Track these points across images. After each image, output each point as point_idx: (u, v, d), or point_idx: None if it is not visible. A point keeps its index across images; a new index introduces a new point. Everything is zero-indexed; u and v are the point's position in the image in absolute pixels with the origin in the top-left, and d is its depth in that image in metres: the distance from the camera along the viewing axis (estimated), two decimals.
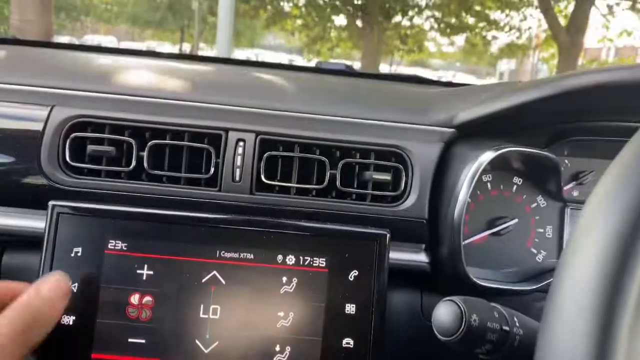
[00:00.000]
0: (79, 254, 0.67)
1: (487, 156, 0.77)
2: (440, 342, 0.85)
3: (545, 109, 0.76)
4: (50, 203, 0.68)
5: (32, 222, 0.79)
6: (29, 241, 0.83)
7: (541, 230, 0.90)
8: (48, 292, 0.57)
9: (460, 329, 0.49)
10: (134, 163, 0.77)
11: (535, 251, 0.89)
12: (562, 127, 0.85)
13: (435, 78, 1.49)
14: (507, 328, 0.52)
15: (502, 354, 0.52)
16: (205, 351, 0.67)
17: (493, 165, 0.85)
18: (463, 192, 0.78)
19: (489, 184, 0.89)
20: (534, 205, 0.90)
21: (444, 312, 0.51)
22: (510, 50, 15.62)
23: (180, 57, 1.42)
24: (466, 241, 0.86)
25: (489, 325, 0.51)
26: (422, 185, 0.80)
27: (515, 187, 0.90)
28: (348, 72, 1.35)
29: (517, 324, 0.53)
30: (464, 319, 0.50)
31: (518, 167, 0.89)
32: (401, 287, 0.84)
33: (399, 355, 0.85)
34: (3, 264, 0.84)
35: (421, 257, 0.81)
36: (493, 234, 0.88)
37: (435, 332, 0.52)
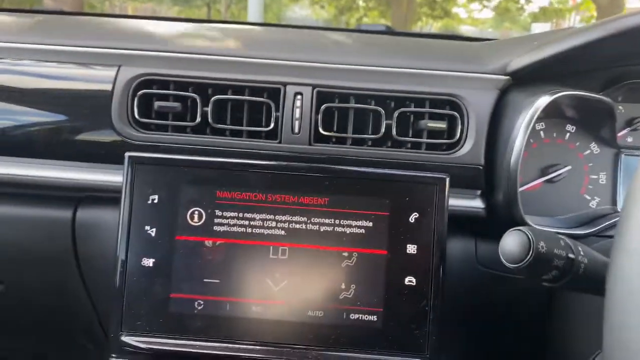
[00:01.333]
0: (156, 201, 0.72)
1: (543, 101, 0.78)
2: (493, 288, 0.88)
3: (601, 51, 0.76)
4: (127, 154, 0.72)
5: (105, 176, 0.84)
6: (100, 197, 0.89)
7: (594, 176, 0.90)
8: None
9: (529, 255, 0.52)
10: (198, 118, 0.81)
11: (588, 197, 0.90)
12: (617, 70, 0.85)
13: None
14: (572, 256, 0.54)
15: (567, 281, 0.54)
16: (275, 289, 0.71)
17: (546, 113, 0.86)
18: (519, 138, 0.79)
19: (542, 132, 0.90)
20: (587, 152, 0.90)
21: (512, 240, 0.53)
22: (544, 14, 15.09)
23: (228, 22, 1.45)
24: (520, 189, 0.87)
25: (555, 252, 0.53)
26: (478, 133, 0.81)
27: (568, 134, 0.90)
28: (389, 31, 1.35)
29: (582, 253, 0.55)
30: (532, 246, 0.52)
31: (571, 114, 0.89)
32: (456, 234, 0.86)
33: (453, 300, 0.88)
34: (77, 220, 0.90)
35: (477, 203, 0.83)
36: (547, 181, 0.89)
37: (504, 260, 0.54)
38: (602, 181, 0.90)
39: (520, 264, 0.52)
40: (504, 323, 0.90)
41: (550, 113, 0.86)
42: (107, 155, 0.82)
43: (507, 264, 0.54)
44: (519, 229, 0.54)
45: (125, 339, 0.71)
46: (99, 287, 0.93)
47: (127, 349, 0.71)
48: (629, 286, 0.39)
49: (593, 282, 0.56)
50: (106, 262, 0.87)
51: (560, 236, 0.56)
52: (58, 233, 0.90)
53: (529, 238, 0.52)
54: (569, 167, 0.89)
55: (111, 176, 0.83)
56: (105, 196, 0.87)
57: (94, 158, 0.84)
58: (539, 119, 0.87)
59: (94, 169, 0.85)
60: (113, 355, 0.72)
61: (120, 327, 0.71)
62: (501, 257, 0.55)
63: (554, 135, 0.90)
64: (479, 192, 0.84)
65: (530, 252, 0.52)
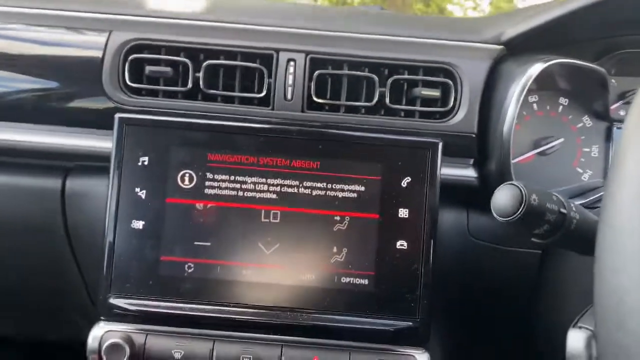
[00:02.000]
0: (146, 163, 0.71)
1: (536, 68, 0.77)
2: (485, 259, 0.88)
3: (594, 17, 0.76)
4: (117, 115, 0.72)
5: (96, 142, 0.83)
6: (89, 166, 0.88)
7: (587, 149, 0.90)
8: None
9: (521, 208, 0.51)
10: (190, 83, 0.80)
11: (581, 170, 0.90)
12: (609, 41, 0.85)
13: None
14: (564, 210, 0.54)
15: (558, 237, 0.54)
16: (267, 252, 0.71)
17: (539, 85, 0.86)
18: (512, 106, 0.79)
19: (535, 105, 0.90)
20: (580, 125, 0.90)
21: (505, 194, 0.53)
22: None
23: None
24: (513, 160, 0.87)
25: (547, 206, 0.53)
26: (472, 101, 0.81)
27: (561, 107, 0.90)
28: (384, 12, 1.34)
29: (574, 209, 0.55)
30: (524, 199, 0.51)
31: (565, 86, 0.89)
32: (448, 205, 0.86)
33: (444, 271, 0.88)
34: (67, 189, 0.89)
35: (469, 172, 0.83)
36: (539, 153, 0.89)
37: (495, 214, 0.54)
38: (594, 154, 0.90)
39: (512, 217, 0.52)
40: (495, 294, 0.90)
41: (544, 85, 0.86)
42: (98, 120, 0.81)
43: (499, 218, 0.53)
44: (511, 183, 0.53)
45: (114, 301, 0.70)
46: (88, 259, 0.92)
47: (115, 312, 0.70)
48: (619, 239, 0.39)
49: (584, 240, 0.56)
50: (96, 233, 0.86)
51: (552, 192, 0.55)
52: (47, 203, 0.89)
53: (521, 191, 0.52)
54: (561, 140, 0.89)
55: (102, 142, 0.82)
56: (95, 165, 0.87)
57: (85, 123, 0.83)
58: (531, 91, 0.87)
59: (85, 135, 0.84)
60: (102, 317, 0.71)
61: (109, 289, 0.70)
62: (493, 211, 0.54)
63: (547, 107, 0.90)
64: (471, 161, 0.84)
65: (523, 204, 0.51)
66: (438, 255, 0.82)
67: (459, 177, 0.83)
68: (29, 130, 0.84)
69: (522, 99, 0.78)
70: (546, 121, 0.90)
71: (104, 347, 0.68)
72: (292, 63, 0.81)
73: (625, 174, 0.39)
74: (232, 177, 0.71)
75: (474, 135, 0.81)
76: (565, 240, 0.55)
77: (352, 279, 0.71)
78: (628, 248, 0.37)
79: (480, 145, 0.82)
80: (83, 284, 0.96)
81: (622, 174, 0.39)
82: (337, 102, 0.81)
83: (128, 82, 0.81)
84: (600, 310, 0.40)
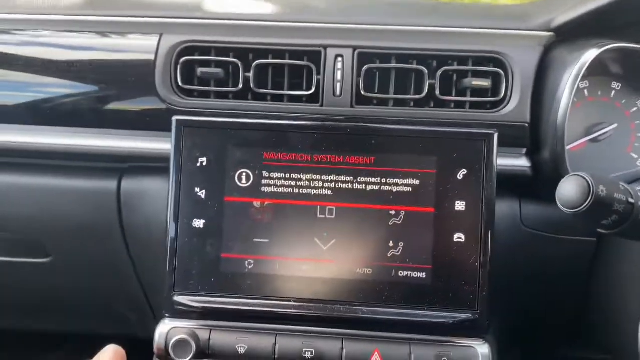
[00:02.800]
0: (204, 164, 0.72)
1: (591, 54, 0.76)
2: (539, 248, 0.87)
3: None
4: (175, 118, 0.73)
5: (150, 144, 0.85)
6: (144, 167, 0.90)
7: None
8: None
9: (589, 199, 0.51)
10: (240, 84, 0.81)
11: (636, 156, 0.88)
12: None
13: None
14: (632, 200, 0.53)
15: (627, 226, 0.54)
16: (324, 248, 0.72)
17: (590, 71, 0.84)
18: (566, 94, 0.77)
19: (585, 91, 0.88)
20: (634, 109, 0.88)
21: (571, 185, 0.52)
22: None
23: None
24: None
25: (615, 196, 0.52)
26: (523, 90, 0.80)
27: (613, 92, 0.88)
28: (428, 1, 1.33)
29: None
30: (591, 190, 0.51)
31: (617, 71, 0.87)
32: (501, 195, 0.85)
33: (498, 261, 0.87)
34: (122, 190, 0.91)
35: (522, 162, 0.82)
36: (591, 140, 0.87)
37: (561, 206, 0.54)
38: None
39: (579, 208, 0.51)
40: (550, 283, 0.89)
41: (595, 70, 0.84)
42: (152, 122, 0.84)
43: (566, 210, 0.53)
44: (576, 174, 0.53)
45: (178, 298, 0.72)
46: (143, 257, 0.95)
47: (180, 309, 0.72)
48: None
49: None
50: (151, 232, 0.89)
51: (619, 182, 0.55)
52: (103, 204, 0.92)
53: (588, 182, 0.51)
54: (615, 125, 0.87)
55: (157, 144, 0.84)
56: (150, 166, 0.89)
57: (140, 126, 0.85)
58: (582, 77, 0.85)
59: (140, 137, 0.86)
60: (167, 315, 0.73)
61: (174, 287, 0.72)
62: (559, 203, 0.54)
63: (599, 93, 0.88)
64: (524, 150, 0.83)
65: (591, 195, 0.51)
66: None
67: (512, 167, 0.82)
68: (86, 135, 0.86)
69: (576, 86, 0.77)
70: (598, 107, 0.88)
71: (170, 343, 0.70)
72: (340, 59, 0.81)
73: None
74: (288, 175, 0.72)
75: (526, 125, 0.80)
76: (633, 230, 0.54)
77: (409, 272, 0.71)
78: None
79: (533, 134, 0.81)
80: (137, 282, 0.99)
81: None
82: (386, 96, 0.81)
83: (180, 84, 0.82)
84: None
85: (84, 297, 1.08)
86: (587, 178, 0.52)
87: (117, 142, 0.86)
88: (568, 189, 0.53)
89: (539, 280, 0.91)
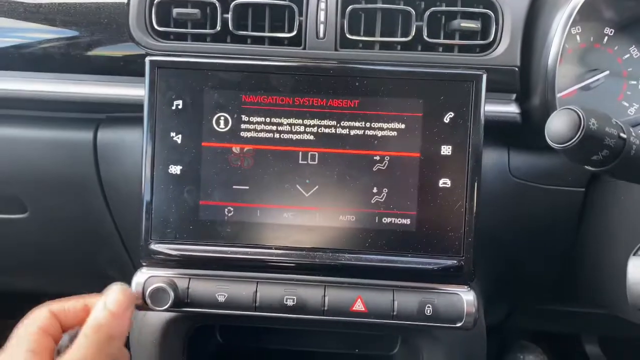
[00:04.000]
0: (180, 107, 0.69)
1: None
2: (527, 198, 0.86)
3: None
4: (148, 58, 0.70)
5: (126, 89, 0.81)
6: (120, 118, 0.87)
7: (634, 82, 0.86)
8: (114, 306, 0.58)
9: (579, 132, 0.49)
10: (219, 25, 0.77)
11: (627, 104, 0.86)
12: None
13: None
14: (624, 135, 0.51)
15: (617, 162, 0.52)
16: (306, 195, 0.70)
17: (582, 16, 0.81)
18: (557, 38, 0.75)
19: (578, 37, 0.85)
20: (627, 56, 0.86)
21: (561, 119, 0.50)
22: None
23: None
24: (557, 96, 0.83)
25: (607, 130, 0.50)
26: (514, 33, 0.77)
27: (606, 38, 0.85)
28: None
29: (634, 134, 0.52)
30: (582, 123, 0.49)
31: (610, 16, 0.84)
32: (489, 143, 0.83)
33: (485, 210, 0.86)
34: (99, 141, 0.88)
35: (512, 108, 0.80)
36: (583, 88, 0.85)
37: (551, 142, 0.52)
38: None
39: (570, 143, 0.49)
40: (538, 232, 0.88)
41: (587, 15, 0.82)
42: (127, 67, 0.80)
43: (555, 145, 0.51)
44: (567, 107, 0.51)
45: (155, 246, 0.70)
46: (122, 209, 0.93)
47: (157, 257, 0.70)
48: None
49: None
50: (130, 183, 0.86)
51: (611, 116, 0.52)
52: (80, 156, 0.89)
53: (579, 115, 0.49)
54: (606, 72, 0.85)
55: (132, 90, 0.81)
56: (127, 116, 0.85)
57: (114, 71, 0.82)
58: (574, 23, 0.82)
59: (115, 83, 0.82)
60: (144, 263, 0.71)
61: (150, 235, 0.70)
62: (547, 138, 0.52)
63: (591, 39, 0.86)
64: (513, 96, 0.80)
65: (581, 128, 0.49)
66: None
67: (500, 114, 0.80)
68: (57, 81, 0.83)
69: (567, 30, 0.74)
70: (590, 54, 0.86)
71: (147, 291, 0.68)
72: None
73: None
74: (268, 119, 0.69)
75: (516, 69, 0.78)
76: (624, 167, 0.52)
77: (393, 218, 0.69)
78: None
79: (523, 79, 0.79)
80: (118, 236, 0.97)
81: None
82: (372, 39, 0.78)
83: (155, 26, 0.78)
84: None
85: (63, 253, 1.06)
86: (577, 111, 0.49)
87: (91, 88, 0.83)
88: (558, 123, 0.50)
89: (527, 230, 0.90)
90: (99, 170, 0.89)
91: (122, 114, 0.86)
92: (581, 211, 0.85)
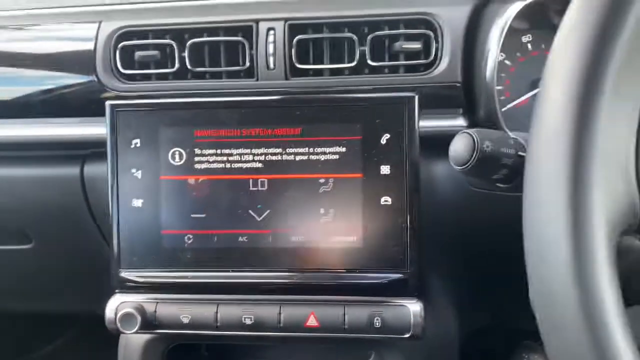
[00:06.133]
0: (138, 145, 0.75)
1: (515, 7, 0.75)
2: (486, 206, 0.88)
3: None
4: (107, 103, 0.76)
5: (100, 129, 0.88)
6: (104, 152, 0.94)
7: None
8: None
9: (474, 155, 0.52)
10: (177, 63, 0.83)
11: None
12: None
13: None
14: (522, 153, 0.53)
15: (520, 179, 0.54)
16: (259, 219, 0.74)
17: (532, 24, 0.83)
18: (493, 49, 0.77)
19: (529, 45, 0.87)
20: None
21: (458, 143, 0.53)
22: None
23: None
24: (508, 105, 0.85)
25: (502, 151, 0.52)
26: (454, 50, 0.79)
27: None
28: None
29: None
30: (476, 146, 0.52)
31: (558, 22, 0.85)
32: (443, 157, 0.86)
33: (448, 223, 0.88)
34: (85, 175, 0.95)
35: (459, 122, 0.82)
36: (535, 95, 0.86)
37: (452, 164, 0.55)
38: None
39: (466, 165, 0.52)
40: (498, 240, 0.89)
41: (537, 23, 0.83)
42: (98, 109, 0.86)
43: (455, 167, 0.54)
44: (464, 132, 0.54)
45: (124, 274, 0.76)
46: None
47: (127, 284, 0.76)
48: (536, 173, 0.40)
49: None
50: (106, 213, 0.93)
51: (512, 136, 0.55)
52: (70, 189, 0.96)
53: (473, 138, 0.52)
54: None
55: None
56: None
57: (88, 112, 0.88)
58: (524, 31, 0.84)
59: (91, 123, 0.89)
60: (116, 290, 0.77)
61: (119, 264, 0.76)
62: (450, 161, 0.55)
63: (542, 47, 0.87)
64: (460, 110, 0.83)
65: (475, 151, 0.52)
66: (437, 206, 0.82)
67: (449, 128, 0.82)
68: (40, 125, 0.90)
69: (501, 41, 0.76)
70: (543, 61, 0.86)
71: (118, 316, 0.74)
72: (271, 32, 0.82)
73: (546, 107, 0.39)
74: (219, 151, 0.75)
75: (459, 84, 0.80)
76: None
77: (341, 237, 0.73)
78: (543, 182, 0.37)
79: (467, 93, 0.81)
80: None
81: (543, 107, 0.39)
82: (320, 66, 0.82)
83: (121, 69, 0.85)
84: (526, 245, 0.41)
85: (67, 276, 1.14)
86: (472, 134, 0.52)
87: (70, 129, 0.90)
88: (455, 147, 0.54)
89: (493, 238, 0.91)
90: (88, 201, 0.96)
91: (103, 149, 0.93)
92: None
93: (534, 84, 0.86)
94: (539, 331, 0.42)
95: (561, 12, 0.83)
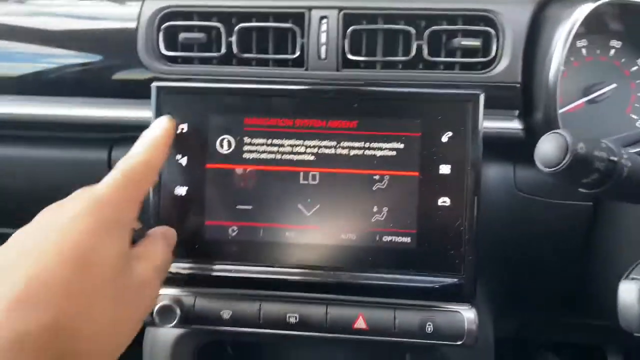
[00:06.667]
0: (185, 130, 0.71)
1: (584, 10, 0.73)
2: (533, 213, 0.86)
3: None
4: (154, 84, 0.72)
5: (136, 112, 0.84)
6: (133, 137, 0.90)
7: None
8: (151, 137, 0.63)
9: (567, 157, 0.49)
10: (224, 48, 0.80)
11: (635, 117, 0.85)
12: None
13: None
14: (615, 158, 0.51)
15: (609, 185, 0.52)
16: (308, 214, 0.71)
17: (588, 29, 0.81)
18: (558, 53, 0.74)
19: (583, 50, 0.85)
20: (635, 68, 0.85)
21: (549, 143, 0.50)
22: None
23: None
24: (561, 110, 0.83)
25: (596, 154, 0.50)
26: (515, 49, 0.77)
27: (613, 50, 0.85)
28: None
29: (625, 156, 0.52)
30: (569, 147, 0.49)
31: (617, 28, 0.83)
32: (494, 159, 0.83)
33: (492, 226, 0.86)
34: (113, 160, 0.91)
35: (515, 125, 0.80)
36: (589, 101, 0.84)
37: (540, 165, 0.52)
38: None
39: (557, 167, 0.50)
40: (545, 248, 0.88)
41: (593, 28, 0.81)
42: (137, 90, 0.83)
43: (544, 169, 0.51)
44: (555, 132, 0.51)
45: None
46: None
47: (166, 277, 0.72)
48: None
49: (637, 189, 0.53)
50: (144, 203, 0.89)
51: (602, 140, 0.52)
52: (96, 174, 0.92)
53: (566, 140, 0.49)
54: (614, 85, 0.84)
55: (142, 112, 0.83)
56: (138, 136, 0.88)
57: (125, 94, 0.85)
58: (579, 36, 0.82)
59: (127, 106, 0.85)
60: None
61: None
62: (537, 162, 0.52)
63: (597, 52, 0.85)
64: (516, 112, 0.80)
65: (568, 153, 0.49)
66: (484, 210, 0.79)
67: (504, 130, 0.80)
68: (72, 104, 0.86)
69: (568, 44, 0.74)
70: (597, 67, 0.85)
71: (155, 309, 0.70)
72: (324, 20, 0.79)
73: None
74: (270, 141, 0.71)
75: (518, 85, 0.78)
76: (616, 189, 0.52)
77: (393, 237, 0.70)
78: None
79: (526, 95, 0.79)
80: None
81: None
82: (373, 59, 0.79)
83: (163, 51, 0.81)
84: None
85: None
86: (565, 135, 0.50)
87: (105, 111, 0.86)
88: (546, 147, 0.51)
89: (535, 246, 0.90)
90: None
91: (135, 133, 0.89)
92: (589, 226, 0.85)
93: (587, 90, 0.85)
94: None
95: (619, 17, 0.81)
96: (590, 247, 0.86)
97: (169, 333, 0.83)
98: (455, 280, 0.69)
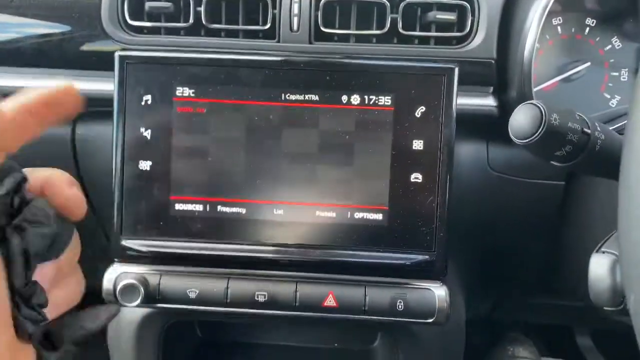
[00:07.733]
0: (149, 102, 0.69)
1: None
2: (506, 192, 0.85)
3: None
4: (117, 53, 0.69)
5: (100, 84, 0.80)
6: (98, 112, 0.86)
7: (615, 73, 0.85)
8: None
9: (540, 128, 0.48)
10: (192, 18, 0.77)
11: (608, 96, 0.85)
12: None
13: None
14: (588, 130, 0.50)
15: (581, 158, 0.51)
16: (276, 189, 0.69)
17: (564, 6, 0.80)
18: (533, 29, 0.73)
19: (559, 27, 0.84)
20: (608, 47, 0.84)
21: (523, 114, 0.49)
22: None
23: None
24: (535, 88, 0.82)
25: (569, 125, 0.49)
26: (490, 25, 0.76)
27: (588, 29, 0.84)
28: None
29: (599, 129, 0.51)
30: (544, 118, 0.48)
31: (592, 6, 0.83)
32: (467, 137, 0.82)
33: (464, 204, 0.85)
34: (77, 136, 0.87)
35: (489, 101, 0.79)
36: (564, 79, 0.83)
37: (513, 137, 0.51)
38: (623, 78, 0.85)
39: (531, 138, 0.48)
40: (517, 226, 0.87)
41: (569, 6, 0.80)
42: (100, 62, 0.79)
43: (517, 140, 0.50)
44: (530, 102, 0.50)
45: (126, 242, 0.70)
46: (102, 202, 0.92)
47: (129, 253, 0.70)
48: None
49: (610, 162, 0.52)
50: (109, 179, 0.86)
51: (576, 111, 0.51)
52: (59, 151, 0.88)
53: (541, 110, 0.48)
54: (588, 64, 0.83)
55: (106, 85, 0.80)
56: (104, 110, 0.85)
57: (89, 66, 0.81)
58: (555, 13, 0.81)
59: (89, 78, 0.81)
60: (115, 260, 0.71)
61: (121, 231, 0.70)
62: (510, 133, 0.51)
63: (572, 30, 0.84)
64: (491, 89, 0.79)
65: (542, 124, 0.48)
66: (456, 188, 0.79)
67: (477, 107, 0.79)
68: (32, 75, 0.82)
69: (543, 20, 0.72)
70: (571, 45, 0.84)
71: (118, 288, 0.68)
72: None
73: None
74: (238, 114, 0.69)
75: (493, 61, 0.76)
76: (589, 163, 0.52)
77: (365, 213, 0.69)
78: None
79: (500, 71, 0.78)
80: (101, 231, 0.96)
81: None
82: (347, 32, 0.77)
83: (128, 21, 0.78)
84: (624, 233, 0.38)
85: None
86: (539, 105, 0.49)
87: (65, 83, 0.82)
88: (520, 118, 0.49)
89: (507, 224, 0.89)
90: (77, 165, 0.89)
91: (99, 108, 0.85)
92: (561, 204, 0.85)
93: (562, 68, 0.84)
94: (630, 313, 0.38)
95: None
96: (562, 226, 0.86)
97: (135, 312, 0.80)
98: (427, 257, 0.68)
